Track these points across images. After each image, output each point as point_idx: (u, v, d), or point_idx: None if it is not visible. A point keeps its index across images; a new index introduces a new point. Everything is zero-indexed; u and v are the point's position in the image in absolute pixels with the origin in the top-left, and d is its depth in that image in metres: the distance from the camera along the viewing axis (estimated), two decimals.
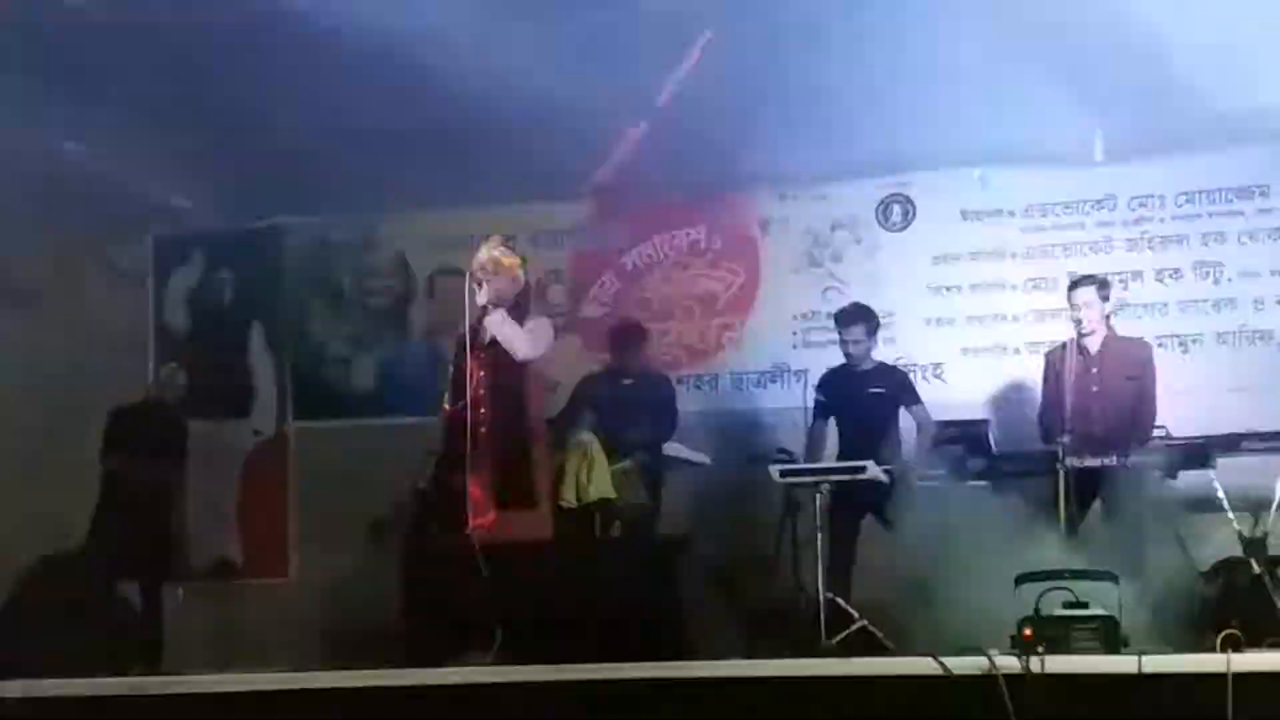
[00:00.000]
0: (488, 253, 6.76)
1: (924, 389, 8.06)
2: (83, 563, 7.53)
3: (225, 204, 9.41)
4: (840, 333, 7.91)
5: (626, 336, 8.27)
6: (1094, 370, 7.22)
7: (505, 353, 6.68)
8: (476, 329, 6.68)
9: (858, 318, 7.86)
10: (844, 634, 6.91)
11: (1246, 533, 6.47)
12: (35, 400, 8.46)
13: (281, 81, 7.86)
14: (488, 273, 6.69)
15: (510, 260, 6.79)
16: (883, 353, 8.04)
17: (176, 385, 8.60)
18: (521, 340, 6.69)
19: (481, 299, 6.64)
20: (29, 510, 8.14)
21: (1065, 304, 7.46)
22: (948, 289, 8.75)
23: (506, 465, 6.61)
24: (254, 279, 9.57)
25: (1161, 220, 8.49)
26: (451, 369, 6.77)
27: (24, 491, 8.19)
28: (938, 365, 8.58)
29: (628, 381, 8.12)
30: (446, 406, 6.76)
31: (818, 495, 7.25)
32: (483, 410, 6.61)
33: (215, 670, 6.71)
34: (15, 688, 5.50)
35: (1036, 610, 5.05)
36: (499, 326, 6.66)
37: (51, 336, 8.58)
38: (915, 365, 8.46)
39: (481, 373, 6.66)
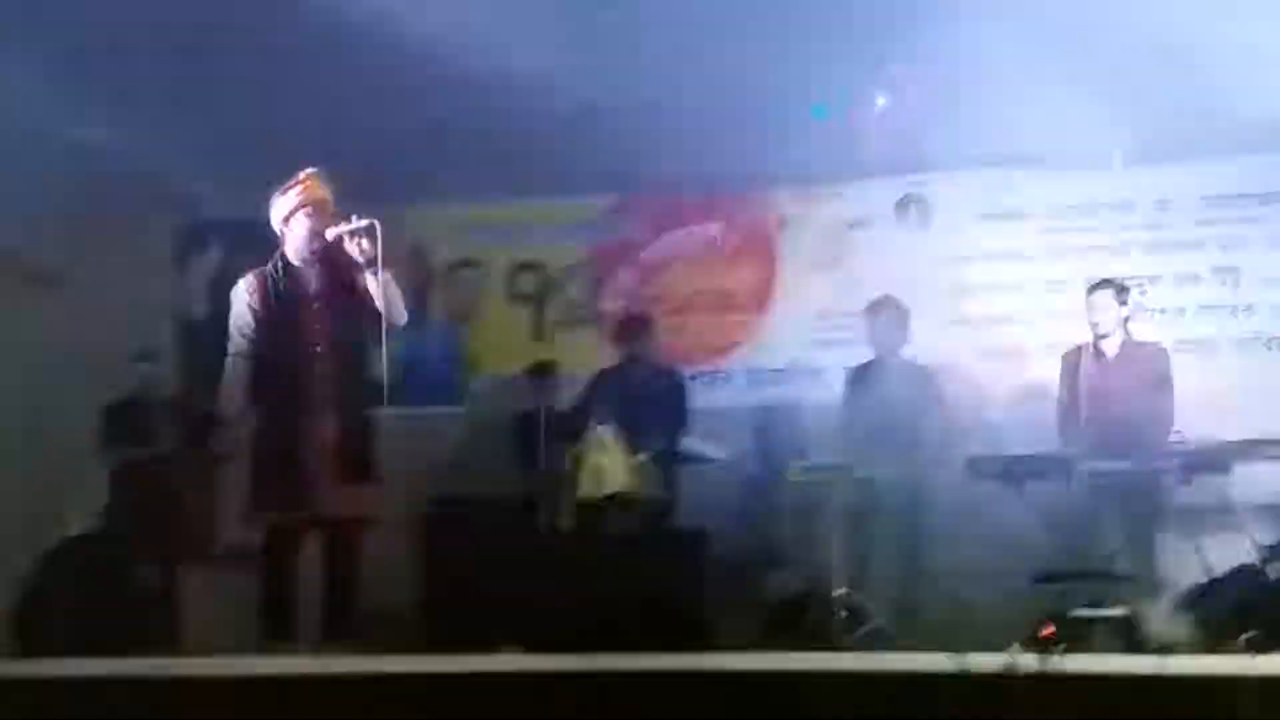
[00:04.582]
0: (323, 191, 6.19)
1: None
2: (101, 543, 7.54)
3: (246, 191, 9.41)
4: (869, 325, 7.88)
5: (630, 326, 8.28)
6: (1110, 374, 7.22)
7: (355, 306, 6.08)
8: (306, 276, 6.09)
9: (888, 309, 7.85)
10: (860, 631, 6.93)
11: (1263, 539, 6.48)
12: (55, 385, 8.47)
13: (306, 69, 7.86)
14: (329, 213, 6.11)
15: None
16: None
17: (157, 381, 8.61)
18: (401, 305, 6.18)
19: (367, 251, 5.99)
20: (46, 493, 8.15)
21: (1082, 307, 7.48)
22: (965, 290, 8.76)
23: (349, 433, 6.05)
24: None
25: (1181, 225, 8.52)
26: (254, 319, 6.06)
27: (44, 474, 8.20)
28: (954, 366, 8.59)
29: (642, 375, 8.13)
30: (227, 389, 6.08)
31: (834, 493, 7.26)
32: (318, 370, 6.03)
33: (237, 653, 6.73)
34: (37, 668, 5.51)
35: (1054, 609, 5.04)
36: (389, 286, 6.06)
37: (73, 322, 8.58)
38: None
39: (316, 325, 6.09)
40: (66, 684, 5.41)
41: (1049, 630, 4.95)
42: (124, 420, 8.36)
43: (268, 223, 6.44)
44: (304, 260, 6.20)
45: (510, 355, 9.19)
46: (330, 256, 6.21)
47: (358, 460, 6.13)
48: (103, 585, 6.94)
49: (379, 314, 6.09)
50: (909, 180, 8.97)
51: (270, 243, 6.42)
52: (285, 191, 6.30)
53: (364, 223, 6.14)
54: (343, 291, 6.17)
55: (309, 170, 6.29)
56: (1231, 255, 8.38)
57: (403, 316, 6.23)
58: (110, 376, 8.53)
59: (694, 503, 7.96)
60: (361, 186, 8.79)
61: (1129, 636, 5.06)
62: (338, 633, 6.12)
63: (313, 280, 6.19)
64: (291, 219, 6.24)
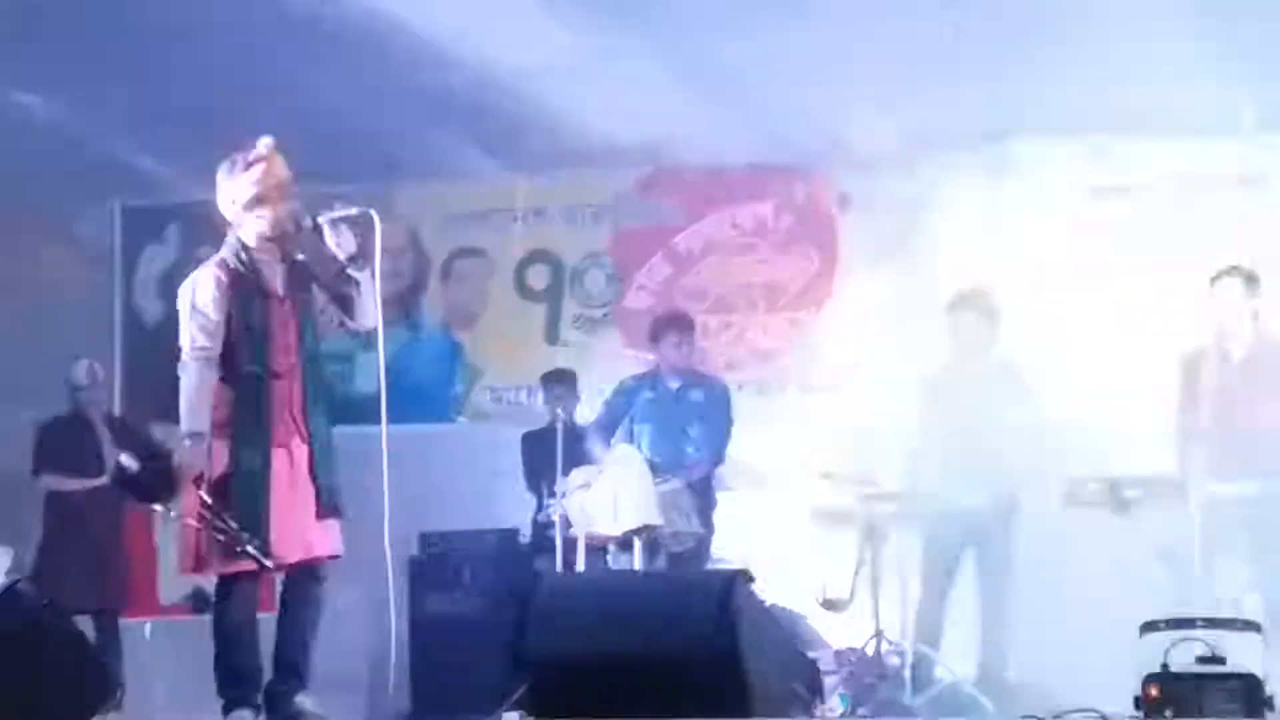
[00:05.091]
0: (285, 169, 6.04)
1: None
2: (31, 593, 7.54)
3: (205, 169, 9.42)
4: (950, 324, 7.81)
5: (670, 329, 8.25)
6: (1238, 380, 7.15)
7: (321, 308, 6.07)
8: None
9: (972, 304, 7.77)
10: (933, 690, 6.83)
11: None
12: None
13: (280, 26, 7.83)
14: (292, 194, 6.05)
15: None
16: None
17: (97, 386, 8.58)
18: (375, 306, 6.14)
19: (347, 243, 5.95)
20: None
21: (1204, 300, 7.39)
22: (1062, 279, 8.67)
23: (321, 459, 6.05)
24: None
25: None
26: (214, 320, 5.93)
27: None
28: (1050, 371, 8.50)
29: (675, 385, 8.08)
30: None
31: (905, 523, 7.21)
32: (283, 382, 5.95)
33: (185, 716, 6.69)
34: None
35: (1164, 665, 4.97)
36: (369, 283, 6.02)
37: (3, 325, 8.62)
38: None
39: (284, 328, 6.00)
40: None
41: (1156, 690, 4.87)
42: (61, 441, 8.35)
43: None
44: (268, 251, 6.14)
45: (519, 362, 9.23)
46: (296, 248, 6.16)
47: (329, 491, 6.09)
48: (32, 641, 6.93)
49: (362, 316, 6.09)
50: (993, 150, 8.85)
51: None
52: (245, 168, 6.21)
53: (354, 211, 6.08)
54: (314, 289, 6.12)
55: (266, 141, 6.19)
56: None
57: (374, 320, 6.16)
58: (46, 389, 8.53)
59: (734, 537, 7.92)
60: (340, 161, 8.84)
61: (1252, 699, 4.95)
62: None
63: (279, 275, 6.11)
64: (250, 203, 6.16)
